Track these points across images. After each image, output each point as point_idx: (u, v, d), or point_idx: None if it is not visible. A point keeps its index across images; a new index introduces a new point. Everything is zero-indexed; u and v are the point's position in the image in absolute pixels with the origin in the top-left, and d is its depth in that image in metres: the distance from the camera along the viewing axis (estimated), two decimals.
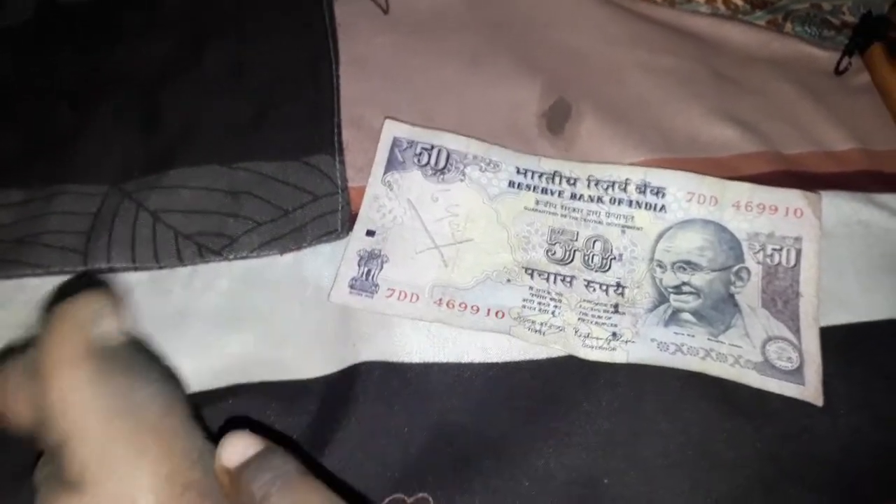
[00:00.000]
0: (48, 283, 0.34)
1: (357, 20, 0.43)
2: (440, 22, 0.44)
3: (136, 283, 0.35)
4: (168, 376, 0.26)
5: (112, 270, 0.35)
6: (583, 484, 0.30)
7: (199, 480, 0.23)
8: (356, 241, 0.35)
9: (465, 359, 0.33)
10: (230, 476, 0.23)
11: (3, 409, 0.25)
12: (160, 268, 0.35)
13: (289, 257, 0.35)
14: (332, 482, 0.24)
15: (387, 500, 0.30)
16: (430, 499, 0.30)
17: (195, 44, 0.42)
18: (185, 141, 0.38)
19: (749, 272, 0.34)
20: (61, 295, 0.30)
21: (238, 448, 0.23)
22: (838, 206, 0.35)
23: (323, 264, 0.35)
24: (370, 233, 0.36)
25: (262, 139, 0.38)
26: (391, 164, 0.37)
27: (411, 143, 0.38)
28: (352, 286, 0.34)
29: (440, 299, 0.34)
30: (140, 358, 0.26)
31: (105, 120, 0.39)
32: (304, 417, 0.32)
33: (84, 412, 0.23)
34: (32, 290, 0.34)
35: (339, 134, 0.39)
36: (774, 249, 0.34)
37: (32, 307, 0.34)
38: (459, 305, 0.34)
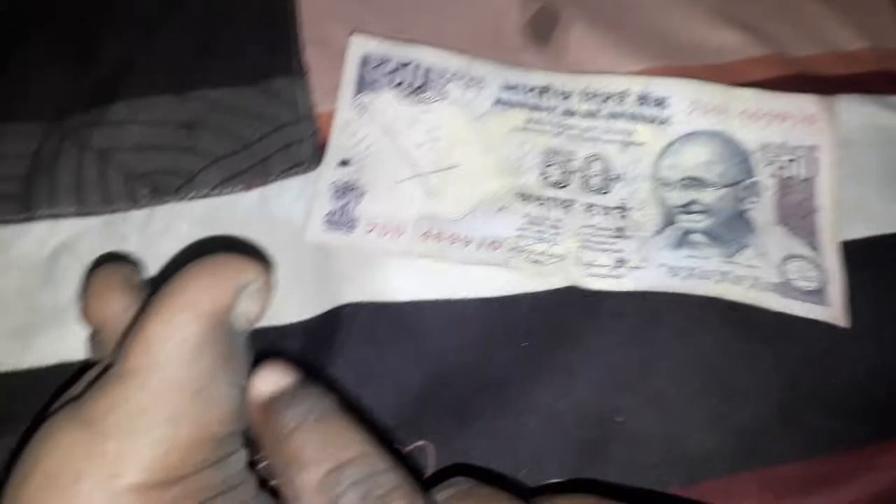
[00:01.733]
0: None
1: None
2: None
3: (87, 229, 0.31)
4: (244, 388, 0.22)
5: (57, 217, 0.31)
6: (594, 423, 0.28)
7: (204, 484, 0.20)
8: (329, 172, 0.32)
9: (459, 295, 0.30)
10: (263, 410, 0.21)
11: (95, 304, 0.23)
12: (112, 212, 0.31)
13: (254, 194, 0.32)
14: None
15: None
16: (430, 446, 0.28)
17: None
18: (128, 72, 0.34)
19: (762, 186, 0.31)
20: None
21: (273, 377, 0.21)
22: (854, 110, 0.32)
23: (293, 200, 0.32)
24: (344, 162, 0.32)
25: (213, 65, 0.34)
26: (361, 85, 0.33)
27: (383, 60, 0.34)
28: (328, 222, 0.31)
29: (426, 232, 0.31)
30: (241, 358, 0.22)
31: (36, 56, 0.35)
32: None
33: (164, 363, 0.19)
34: None
35: (301, 55, 0.34)
36: (788, 160, 0.31)
37: None
38: (448, 238, 0.31)
